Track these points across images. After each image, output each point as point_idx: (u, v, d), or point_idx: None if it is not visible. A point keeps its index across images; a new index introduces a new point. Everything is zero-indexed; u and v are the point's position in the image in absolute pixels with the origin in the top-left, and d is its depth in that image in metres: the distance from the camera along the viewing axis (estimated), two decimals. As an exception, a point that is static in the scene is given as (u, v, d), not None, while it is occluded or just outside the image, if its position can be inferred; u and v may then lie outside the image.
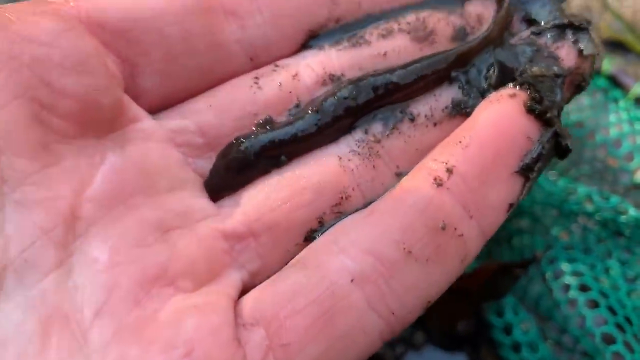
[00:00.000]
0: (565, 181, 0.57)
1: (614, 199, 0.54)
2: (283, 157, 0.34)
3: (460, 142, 0.32)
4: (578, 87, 0.37)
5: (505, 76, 0.35)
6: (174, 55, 0.33)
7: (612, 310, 0.52)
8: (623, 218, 0.53)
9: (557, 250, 0.59)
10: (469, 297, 0.55)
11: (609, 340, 0.50)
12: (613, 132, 0.68)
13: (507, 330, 0.55)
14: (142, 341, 0.27)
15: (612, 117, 0.70)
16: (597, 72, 0.76)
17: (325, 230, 0.32)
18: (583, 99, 0.75)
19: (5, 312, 0.26)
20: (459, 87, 0.36)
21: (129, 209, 0.30)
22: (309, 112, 0.34)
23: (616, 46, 1.05)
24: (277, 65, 0.35)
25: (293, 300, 0.29)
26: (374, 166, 0.34)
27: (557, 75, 0.34)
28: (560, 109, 0.35)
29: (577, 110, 0.73)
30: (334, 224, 0.33)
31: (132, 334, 0.27)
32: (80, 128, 0.29)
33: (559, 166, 0.75)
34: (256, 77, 0.34)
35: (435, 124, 0.35)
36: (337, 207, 0.33)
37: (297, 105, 0.35)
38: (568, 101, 0.37)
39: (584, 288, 0.54)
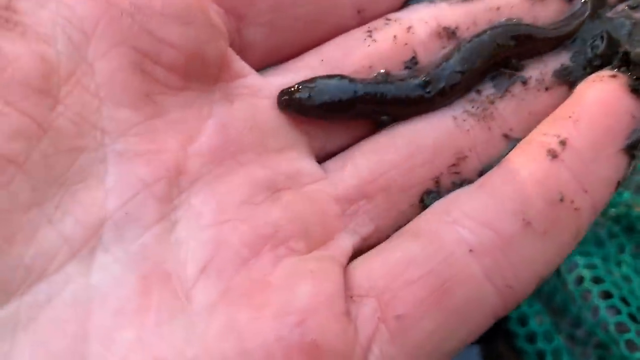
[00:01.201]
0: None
1: (626, 194, 0.55)
2: (385, 118, 0.33)
3: (570, 117, 0.32)
4: None
5: (611, 47, 0.36)
6: (282, 5, 0.32)
7: (625, 301, 0.54)
8: (635, 212, 0.55)
9: (575, 255, 0.60)
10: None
11: (622, 329, 0.51)
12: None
13: (522, 321, 0.57)
14: (253, 305, 0.26)
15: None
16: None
17: (442, 192, 0.32)
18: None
19: (104, 267, 0.25)
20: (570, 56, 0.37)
21: (237, 165, 0.29)
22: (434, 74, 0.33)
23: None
24: (388, 19, 0.35)
25: (407, 271, 0.28)
26: (489, 128, 0.34)
27: None
28: None
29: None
30: (451, 187, 0.32)
31: (242, 297, 0.26)
32: (184, 79, 0.29)
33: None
34: (369, 30, 0.34)
35: (546, 89, 0.35)
36: (454, 167, 0.33)
37: (413, 58, 0.35)
38: None
39: (597, 280, 0.56)
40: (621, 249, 0.60)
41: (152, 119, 0.28)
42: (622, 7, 0.38)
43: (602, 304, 0.53)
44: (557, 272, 0.59)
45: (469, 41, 0.34)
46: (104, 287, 0.25)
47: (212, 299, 0.26)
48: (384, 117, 0.33)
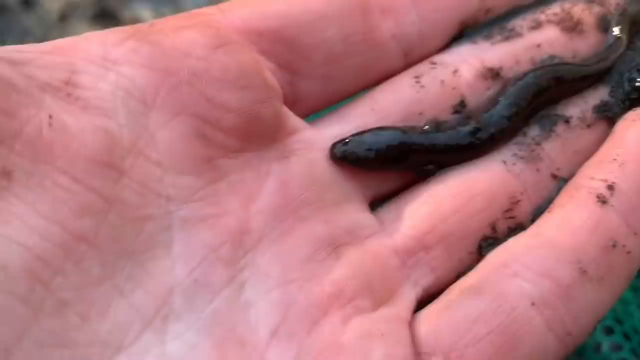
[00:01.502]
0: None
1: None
2: (430, 167, 0.34)
3: (615, 159, 0.33)
4: None
5: None
6: (335, 57, 0.33)
7: (627, 337, 0.55)
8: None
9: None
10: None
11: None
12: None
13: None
14: None
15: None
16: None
17: (500, 239, 0.32)
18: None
19: (178, 335, 0.26)
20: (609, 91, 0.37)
21: (298, 222, 0.30)
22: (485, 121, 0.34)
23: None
24: (434, 63, 0.36)
25: (473, 328, 0.29)
26: (537, 169, 0.35)
27: None
28: None
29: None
30: (506, 232, 0.33)
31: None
32: (243, 141, 0.30)
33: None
34: (416, 76, 0.35)
35: (588, 126, 0.36)
36: (509, 212, 0.33)
37: (462, 102, 0.35)
38: None
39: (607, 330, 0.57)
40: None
41: (213, 183, 0.29)
42: None
43: (605, 339, 0.55)
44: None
45: (513, 84, 0.35)
46: (180, 356, 0.26)
47: None
48: (429, 166, 0.34)
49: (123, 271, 0.26)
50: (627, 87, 0.37)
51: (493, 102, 0.35)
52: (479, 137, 0.34)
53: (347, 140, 0.32)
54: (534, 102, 0.35)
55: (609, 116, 0.36)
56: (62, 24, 1.26)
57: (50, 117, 0.26)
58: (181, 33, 0.29)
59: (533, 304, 0.29)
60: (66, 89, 0.26)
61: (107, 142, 0.26)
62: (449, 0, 0.36)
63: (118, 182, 0.26)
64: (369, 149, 0.32)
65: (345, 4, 0.33)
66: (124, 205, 0.26)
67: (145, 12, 1.31)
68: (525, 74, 0.36)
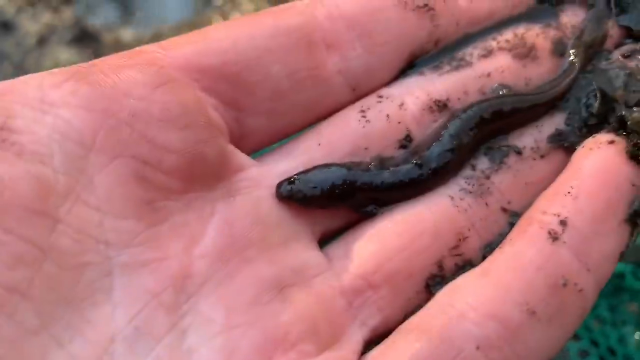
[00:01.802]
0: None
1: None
2: (372, 207, 0.33)
3: (569, 192, 0.32)
4: None
5: (605, 104, 0.35)
6: (281, 93, 0.32)
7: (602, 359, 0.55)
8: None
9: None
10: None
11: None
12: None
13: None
14: None
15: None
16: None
17: (447, 276, 0.32)
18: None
19: None
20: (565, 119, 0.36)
21: (243, 263, 0.29)
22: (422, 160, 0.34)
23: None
24: (380, 96, 0.35)
25: None
26: (486, 204, 0.33)
27: None
28: None
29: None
30: (454, 269, 0.32)
31: None
32: (185, 182, 0.29)
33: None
34: (362, 110, 0.34)
35: (542, 157, 0.35)
36: (456, 249, 0.32)
37: (407, 136, 0.35)
38: None
39: (575, 337, 0.57)
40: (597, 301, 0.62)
41: (155, 226, 0.28)
42: (616, 55, 0.37)
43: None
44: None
45: (456, 117, 0.34)
46: None
47: None
48: (371, 207, 0.33)
49: (61, 320, 0.25)
50: (584, 113, 0.36)
51: (436, 136, 0.34)
52: (422, 173, 0.33)
53: (292, 179, 0.32)
54: (479, 135, 0.34)
55: (565, 145, 0.35)
56: (40, 48, 1.26)
57: None
58: (121, 72, 0.28)
59: (478, 347, 0.28)
60: (1, 134, 0.26)
61: (41, 190, 0.25)
62: (396, 33, 0.35)
63: (53, 230, 0.26)
64: (315, 187, 0.31)
65: (289, 39, 0.32)
66: (60, 253, 0.25)
67: (126, 34, 1.31)
68: (469, 106, 0.35)
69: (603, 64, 0.37)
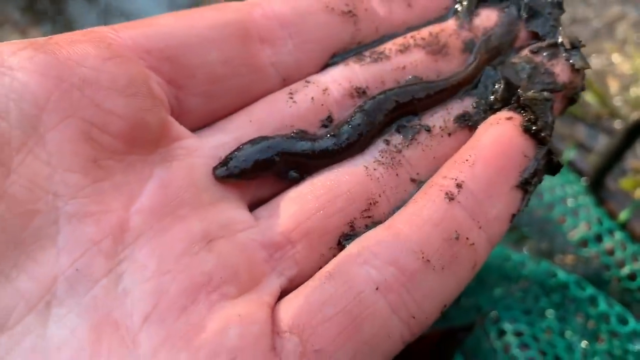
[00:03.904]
0: (500, 248, 0.62)
1: (544, 264, 0.59)
2: (293, 173, 0.37)
3: (466, 160, 0.36)
4: (571, 100, 0.41)
5: (509, 91, 0.40)
6: (217, 77, 0.35)
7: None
8: (553, 281, 0.59)
9: (500, 310, 0.64)
10: (420, 361, 0.59)
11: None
12: (547, 196, 0.74)
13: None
14: (191, 348, 0.29)
15: (546, 182, 0.77)
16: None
17: (358, 235, 0.35)
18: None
19: (59, 318, 0.28)
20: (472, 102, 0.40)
21: (176, 220, 0.32)
22: (342, 128, 0.38)
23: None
24: (307, 81, 0.39)
25: (323, 309, 0.31)
26: (397, 174, 0.37)
27: (547, 99, 0.38)
28: (552, 129, 0.38)
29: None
30: (364, 230, 0.35)
31: (181, 341, 0.29)
32: (128, 145, 0.31)
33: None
34: (290, 93, 0.38)
35: (449, 134, 0.39)
36: (367, 212, 0.35)
37: (329, 117, 0.38)
38: (562, 113, 0.41)
39: (524, 346, 0.59)
40: (546, 311, 0.64)
41: (99, 182, 0.31)
42: (525, 51, 0.41)
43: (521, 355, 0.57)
44: (488, 338, 0.62)
45: (371, 98, 0.38)
46: (59, 337, 0.27)
47: (155, 344, 0.28)
48: (294, 175, 0.37)
49: (9, 259, 0.28)
50: (490, 98, 0.40)
51: (353, 114, 0.38)
52: (335, 143, 0.37)
53: (225, 160, 0.35)
54: (390, 114, 0.39)
55: (469, 124, 0.39)
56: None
57: None
58: (75, 45, 0.31)
59: (377, 288, 0.31)
60: None
61: None
62: (323, 34, 0.39)
63: (7, 178, 0.28)
64: (245, 160, 0.35)
65: (227, 31, 0.36)
66: (12, 199, 0.28)
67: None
68: (383, 91, 0.39)
69: (512, 58, 0.42)
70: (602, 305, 0.58)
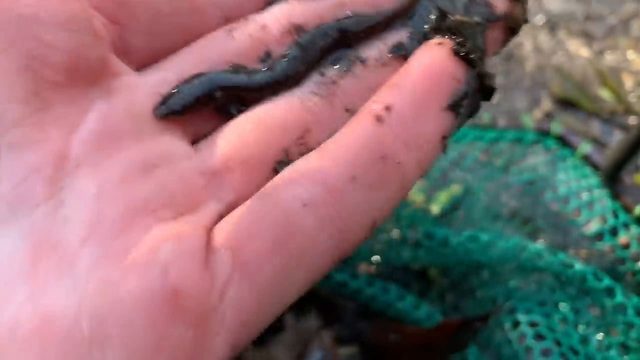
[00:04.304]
0: (516, 239, 0.62)
1: (561, 255, 0.60)
2: (233, 107, 0.38)
3: (396, 85, 0.37)
4: (513, 31, 0.41)
5: (444, 21, 0.40)
6: (160, 17, 0.37)
7: (565, 357, 0.57)
8: (570, 272, 0.59)
9: (515, 301, 0.64)
10: (436, 350, 0.60)
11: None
12: (562, 189, 0.74)
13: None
14: (124, 265, 0.30)
15: (561, 175, 0.77)
16: (547, 133, 0.83)
17: (292, 162, 0.36)
18: (535, 158, 0.82)
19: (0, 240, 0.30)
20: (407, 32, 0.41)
21: (116, 150, 0.33)
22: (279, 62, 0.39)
23: (567, 105, 1.13)
24: (247, 19, 0.40)
25: (253, 227, 0.33)
26: (331, 104, 0.38)
27: (478, 24, 0.39)
28: (483, 53, 0.39)
29: (530, 169, 0.80)
30: (299, 157, 0.36)
31: (115, 260, 0.30)
32: (69, 78, 0.33)
33: (517, 219, 0.81)
34: (229, 30, 0.39)
35: (383, 65, 0.39)
36: (301, 139, 0.37)
37: (267, 53, 0.39)
38: (504, 44, 0.42)
39: (539, 337, 0.59)
40: (562, 303, 0.64)
41: (39, 112, 0.31)
42: None
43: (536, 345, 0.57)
44: (503, 329, 0.63)
45: (306, 33, 0.39)
46: None
47: (91, 263, 0.30)
48: (233, 108, 0.38)
49: None
50: (425, 28, 0.40)
51: (287, 50, 0.39)
52: (271, 75, 0.38)
53: (164, 99, 0.36)
54: (324, 48, 0.39)
55: (403, 55, 0.39)
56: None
57: None
58: None
59: (305, 205, 0.33)
60: None
61: None
62: None
63: None
64: (185, 98, 0.36)
65: None
66: None
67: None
68: (316, 27, 0.40)
69: None
70: (619, 297, 0.58)
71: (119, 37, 0.36)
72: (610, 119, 1.07)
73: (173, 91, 0.36)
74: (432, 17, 0.40)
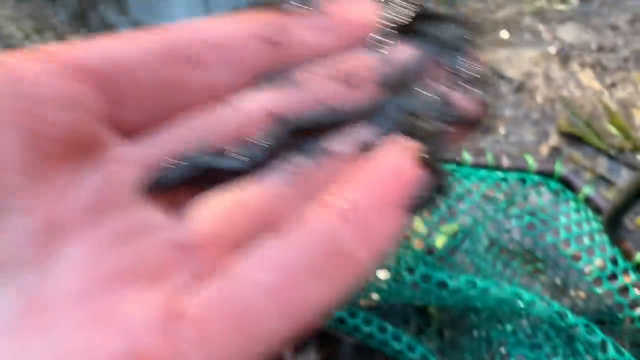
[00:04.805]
0: (510, 288, 0.64)
1: (554, 305, 0.61)
2: (209, 186, 0.39)
3: (360, 182, 0.37)
4: (475, 128, 0.44)
5: (409, 120, 0.41)
6: (148, 96, 0.39)
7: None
8: (562, 323, 0.60)
9: (509, 346, 0.65)
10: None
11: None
12: (563, 232, 0.76)
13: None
14: (101, 329, 0.31)
15: (563, 218, 0.78)
16: (550, 174, 0.84)
17: (257, 244, 0.39)
18: (537, 200, 0.83)
19: None
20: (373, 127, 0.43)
21: (103, 219, 0.35)
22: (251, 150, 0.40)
23: (574, 140, 1.14)
24: (230, 101, 0.40)
25: (216, 304, 0.33)
26: (297, 192, 0.39)
27: (443, 127, 0.40)
28: (442, 157, 0.40)
29: (532, 210, 0.81)
30: (265, 240, 0.39)
31: (95, 323, 0.31)
32: (64, 151, 0.35)
33: (518, 259, 0.82)
34: (213, 112, 0.40)
35: (349, 159, 0.40)
36: (267, 223, 0.38)
37: (245, 139, 0.42)
38: (466, 139, 0.43)
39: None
40: (555, 351, 0.65)
41: (35, 181, 0.34)
42: (431, 82, 0.41)
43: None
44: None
45: (280, 123, 0.40)
46: None
47: (74, 325, 0.31)
48: (208, 185, 0.39)
49: None
50: (391, 126, 0.41)
51: (261, 138, 0.42)
52: (246, 163, 0.39)
53: (153, 178, 0.37)
54: (293, 139, 0.40)
55: (368, 150, 0.39)
56: None
57: None
58: (19, 60, 0.34)
59: (266, 289, 0.34)
60: None
61: None
62: (247, 59, 0.40)
63: None
64: (173, 178, 0.38)
65: (153, 56, 0.38)
66: None
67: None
68: (289, 118, 0.41)
69: (418, 88, 0.44)
70: (612, 352, 0.59)
71: (110, 110, 0.37)
72: (618, 156, 1.08)
73: (160, 170, 0.38)
74: (400, 116, 0.41)
